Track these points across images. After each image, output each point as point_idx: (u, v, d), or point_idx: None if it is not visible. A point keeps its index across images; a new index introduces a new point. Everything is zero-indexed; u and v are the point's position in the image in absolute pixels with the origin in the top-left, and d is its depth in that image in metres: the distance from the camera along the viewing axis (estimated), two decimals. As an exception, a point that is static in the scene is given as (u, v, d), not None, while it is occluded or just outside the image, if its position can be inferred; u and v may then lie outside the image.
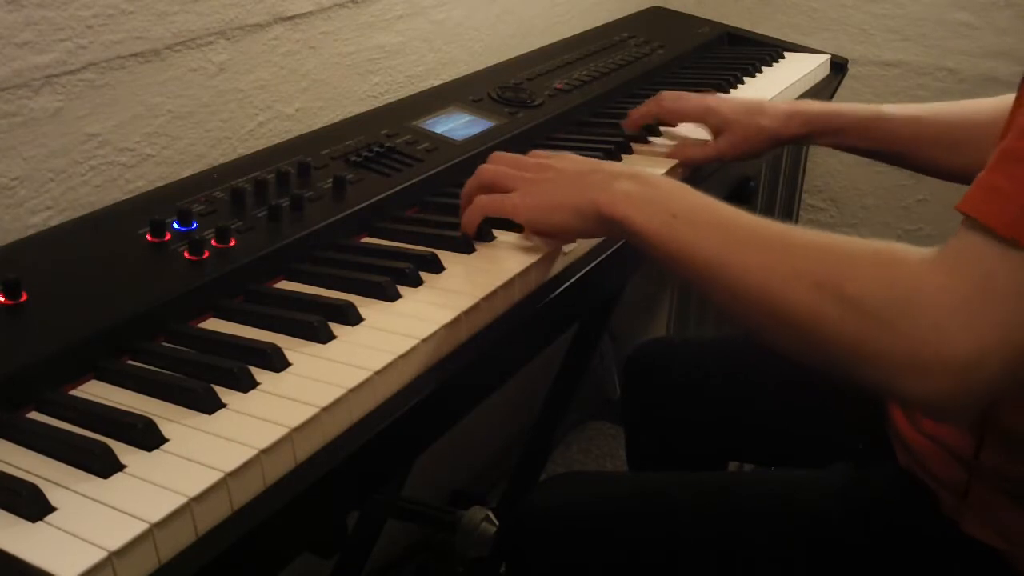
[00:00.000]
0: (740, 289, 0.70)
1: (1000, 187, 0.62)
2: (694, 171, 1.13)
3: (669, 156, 1.11)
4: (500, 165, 0.89)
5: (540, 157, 0.89)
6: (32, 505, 0.55)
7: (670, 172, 1.08)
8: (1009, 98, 1.01)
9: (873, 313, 0.63)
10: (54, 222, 0.92)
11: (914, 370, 0.62)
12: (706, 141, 1.12)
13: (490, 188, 0.87)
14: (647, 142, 1.17)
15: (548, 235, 0.87)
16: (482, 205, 0.87)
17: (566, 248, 0.89)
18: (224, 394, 0.66)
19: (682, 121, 1.16)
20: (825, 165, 2.00)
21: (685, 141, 1.14)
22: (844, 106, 1.10)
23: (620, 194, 0.78)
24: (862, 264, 0.66)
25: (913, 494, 0.87)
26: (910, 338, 0.61)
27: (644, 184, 0.78)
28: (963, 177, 1.04)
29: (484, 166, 0.89)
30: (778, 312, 0.67)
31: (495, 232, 0.90)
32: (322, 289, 0.82)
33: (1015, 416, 0.76)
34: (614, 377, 2.05)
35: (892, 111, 1.07)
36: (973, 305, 0.60)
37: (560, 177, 0.84)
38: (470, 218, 0.88)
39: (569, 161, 0.86)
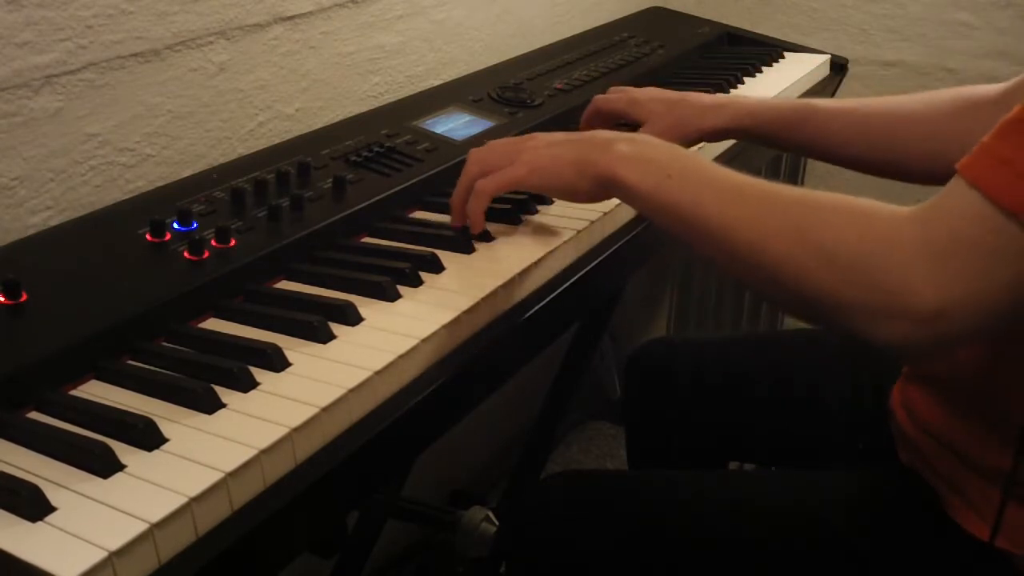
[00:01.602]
0: (728, 244, 0.73)
1: (1010, 160, 0.63)
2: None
3: None
4: (485, 160, 0.88)
5: (516, 139, 0.90)
6: (32, 505, 0.55)
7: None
8: (956, 91, 1.01)
9: (848, 265, 0.66)
10: (54, 222, 0.92)
11: (885, 319, 0.65)
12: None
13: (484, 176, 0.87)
14: None
15: (552, 194, 0.89)
16: (485, 188, 0.86)
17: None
18: (224, 394, 0.66)
19: (616, 117, 1.10)
20: (825, 165, 1.98)
21: None
22: (772, 101, 1.09)
23: (617, 155, 0.80)
24: (840, 218, 0.68)
25: (915, 493, 0.87)
26: (882, 289, 0.65)
27: (641, 146, 0.81)
28: (891, 171, 1.04)
29: (470, 162, 0.89)
30: (762, 264, 0.71)
31: (494, 232, 0.90)
32: (322, 289, 0.82)
33: None
34: (614, 377, 2.05)
35: (823, 104, 1.06)
36: (945, 261, 0.63)
37: (558, 142, 0.85)
38: (476, 207, 0.87)
39: (555, 133, 0.87)
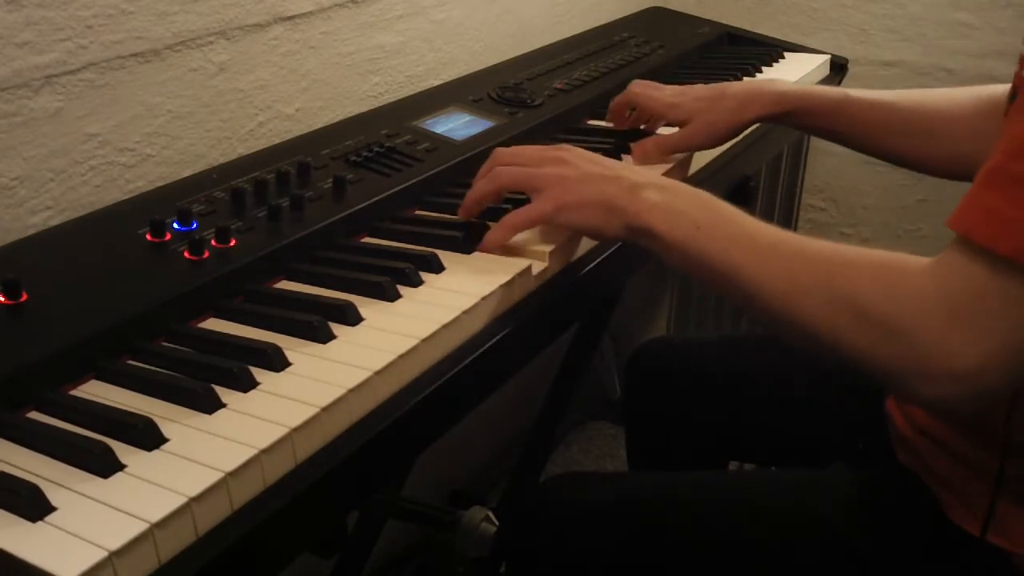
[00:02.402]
0: (759, 299, 0.73)
1: (999, 209, 0.63)
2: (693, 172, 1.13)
3: (638, 159, 1.07)
4: (511, 163, 0.87)
5: (546, 150, 0.88)
6: (32, 505, 0.55)
7: (667, 174, 1.07)
8: (978, 89, 1.02)
9: (881, 324, 0.66)
10: (54, 222, 0.92)
11: (921, 378, 0.65)
12: (671, 133, 1.09)
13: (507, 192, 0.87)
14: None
15: (578, 232, 0.87)
16: (513, 223, 0.86)
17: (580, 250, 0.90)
18: (224, 394, 0.66)
19: (655, 117, 1.13)
20: (825, 165, 2.00)
21: (648, 141, 1.10)
22: (811, 88, 1.10)
23: (646, 203, 0.79)
24: (867, 275, 0.68)
25: (913, 493, 0.87)
26: (915, 350, 0.65)
27: (670, 194, 0.79)
28: (919, 165, 1.05)
29: (500, 172, 0.87)
30: (795, 321, 0.71)
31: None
32: (322, 289, 0.82)
33: None
34: (614, 377, 2.05)
35: (860, 95, 1.07)
36: (970, 318, 0.63)
37: (587, 177, 0.83)
38: (500, 239, 0.87)
39: (585, 160, 0.86)
